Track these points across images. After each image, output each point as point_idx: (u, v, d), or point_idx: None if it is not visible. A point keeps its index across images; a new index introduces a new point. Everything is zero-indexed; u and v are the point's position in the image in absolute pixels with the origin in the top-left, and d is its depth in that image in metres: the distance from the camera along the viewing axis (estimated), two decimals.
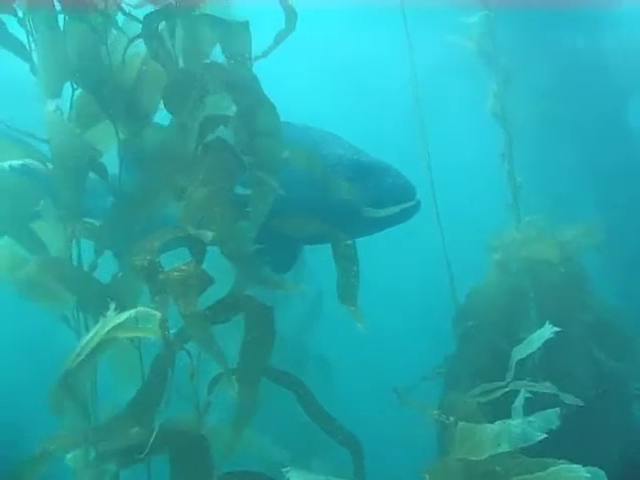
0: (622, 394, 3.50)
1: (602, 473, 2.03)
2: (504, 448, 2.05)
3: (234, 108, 2.23)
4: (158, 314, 1.96)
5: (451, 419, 2.09)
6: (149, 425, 2.09)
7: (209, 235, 2.02)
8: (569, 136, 4.48)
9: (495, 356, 3.04)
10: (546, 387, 2.42)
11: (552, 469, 2.04)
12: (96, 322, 2.27)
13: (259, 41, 2.41)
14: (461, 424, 2.10)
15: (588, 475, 2.02)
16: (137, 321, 2.02)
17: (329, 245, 2.42)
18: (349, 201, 2.57)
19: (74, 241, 2.30)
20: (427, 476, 2.01)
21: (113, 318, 2.01)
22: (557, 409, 2.16)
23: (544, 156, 4.32)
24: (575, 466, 2.05)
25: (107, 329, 1.99)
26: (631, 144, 4.75)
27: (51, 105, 2.20)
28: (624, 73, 4.65)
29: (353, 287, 2.32)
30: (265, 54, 2.45)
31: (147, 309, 2.01)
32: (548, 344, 2.59)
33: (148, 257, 2.04)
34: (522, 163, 3.34)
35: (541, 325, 3.02)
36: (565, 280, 3.32)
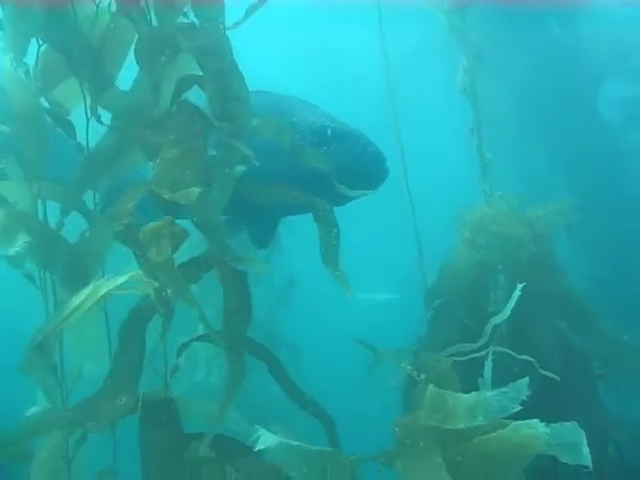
0: (587, 371, 3.56)
1: (580, 431, 2.04)
2: (479, 420, 2.05)
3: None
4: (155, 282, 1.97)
5: (422, 376, 2.09)
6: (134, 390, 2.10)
7: (183, 196, 1.98)
8: (541, 118, 4.53)
9: (464, 334, 3.06)
10: (520, 356, 2.41)
11: (513, 425, 2.06)
12: (64, 283, 2.26)
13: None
14: (434, 389, 2.09)
15: (547, 430, 2.03)
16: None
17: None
18: (317, 169, 2.54)
19: (40, 201, 2.26)
20: (397, 429, 2.00)
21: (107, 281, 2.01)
22: (526, 378, 2.14)
23: (515, 137, 4.36)
24: (534, 421, 2.06)
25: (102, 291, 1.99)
26: (600, 131, 4.84)
27: (6, 61, 2.16)
28: (596, 62, 4.72)
29: (334, 250, 2.33)
30: (236, 25, 2.40)
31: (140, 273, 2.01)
32: (515, 318, 2.61)
33: (124, 221, 2.00)
34: (493, 141, 3.38)
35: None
36: (534, 256, 3.36)
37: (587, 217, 3.86)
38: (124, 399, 2.09)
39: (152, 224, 1.96)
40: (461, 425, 2.04)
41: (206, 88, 2.13)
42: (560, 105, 4.55)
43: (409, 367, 2.18)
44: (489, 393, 2.12)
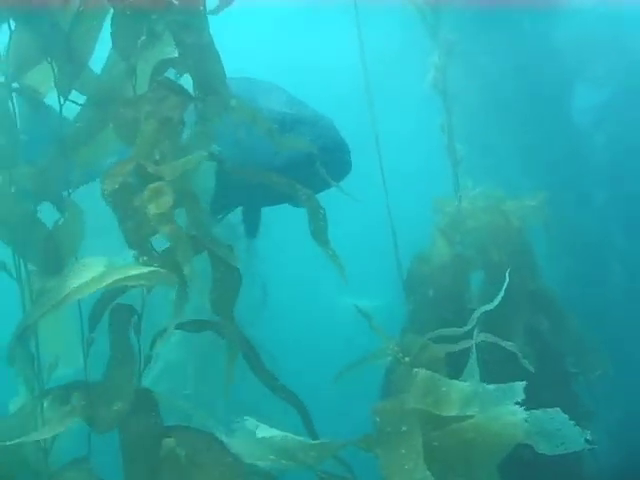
0: (560, 368, 3.59)
1: (562, 417, 2.02)
2: (473, 410, 2.02)
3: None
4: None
5: (406, 359, 2.07)
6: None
7: (168, 170, 1.96)
8: (512, 118, 4.59)
9: (444, 326, 3.05)
10: (507, 344, 2.38)
11: (493, 411, 2.03)
12: (40, 270, 2.22)
13: None
14: (425, 373, 2.05)
15: (526, 416, 2.00)
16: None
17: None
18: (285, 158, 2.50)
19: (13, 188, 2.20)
20: (378, 412, 1.97)
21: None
22: (524, 382, 2.07)
23: (486, 135, 4.41)
24: (515, 407, 2.03)
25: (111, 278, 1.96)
26: (571, 135, 4.92)
27: None
28: (569, 64, 4.80)
29: (323, 228, 2.33)
30: (216, 11, 2.37)
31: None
32: (490, 313, 2.61)
33: (119, 179, 1.96)
34: (464, 138, 3.40)
35: (486, 296, 3.05)
36: (512, 252, 3.38)
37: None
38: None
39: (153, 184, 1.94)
40: (454, 412, 2.01)
41: (183, 66, 2.10)
42: (531, 106, 4.61)
43: (394, 347, 2.16)
44: (489, 385, 2.07)
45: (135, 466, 2.06)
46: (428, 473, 1.91)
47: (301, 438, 2.02)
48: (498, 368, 2.43)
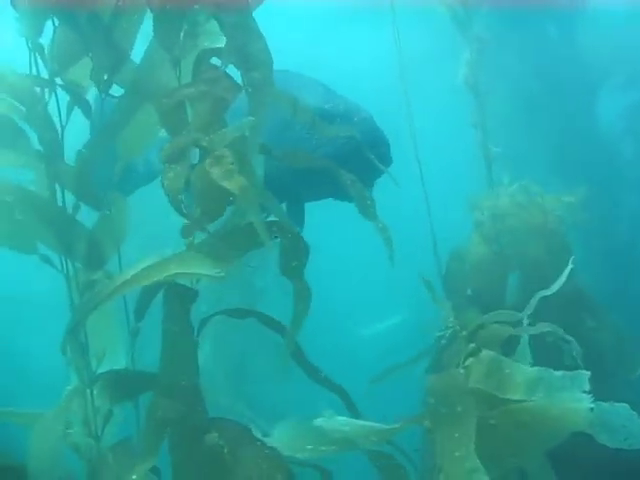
0: (601, 367, 3.53)
1: (632, 414, 1.95)
2: (538, 395, 1.97)
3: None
4: None
5: (464, 333, 2.02)
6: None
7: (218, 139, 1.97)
8: (539, 121, 4.57)
9: None
10: (561, 333, 2.35)
11: (556, 396, 1.98)
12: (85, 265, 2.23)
13: None
14: (489, 354, 2.01)
15: (592, 405, 1.95)
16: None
17: None
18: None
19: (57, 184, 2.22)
20: (432, 398, 1.93)
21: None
22: (588, 372, 2.02)
23: (513, 136, 4.37)
24: (580, 394, 1.97)
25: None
26: (598, 138, 4.88)
27: None
28: (595, 68, 4.78)
29: (371, 207, 2.33)
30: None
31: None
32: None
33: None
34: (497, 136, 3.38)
35: (524, 294, 2.99)
36: (551, 250, 3.33)
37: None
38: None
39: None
40: (518, 396, 1.97)
41: (228, 54, 2.11)
42: (558, 108, 4.59)
43: (452, 320, 2.12)
44: (556, 372, 2.01)
45: (181, 455, 2.06)
46: (479, 463, 1.86)
47: (363, 422, 2.00)
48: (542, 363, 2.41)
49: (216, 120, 2.04)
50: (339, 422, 1.95)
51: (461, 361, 2.02)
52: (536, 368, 2.02)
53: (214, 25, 2.18)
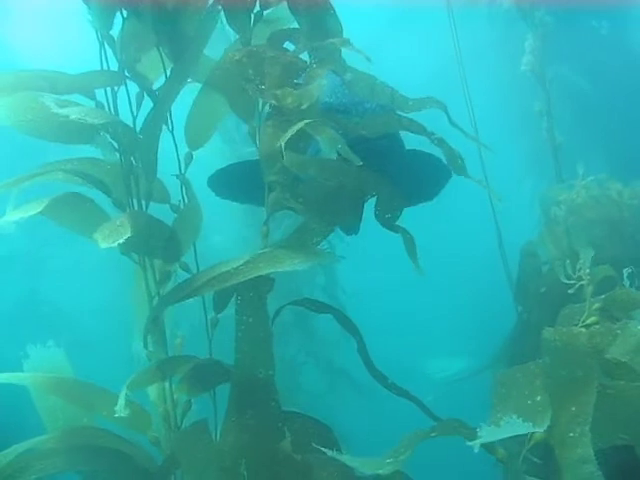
0: None
1: None
2: None
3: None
4: None
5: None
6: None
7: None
8: (595, 119, 4.45)
9: None
10: None
11: None
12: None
13: None
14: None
15: None
16: None
17: None
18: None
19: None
20: (548, 357, 1.77)
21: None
22: None
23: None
24: None
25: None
26: None
27: None
28: None
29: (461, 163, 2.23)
30: None
31: None
32: None
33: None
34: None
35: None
36: (626, 246, 3.18)
37: None
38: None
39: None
40: None
41: (299, 35, 2.07)
42: (616, 108, 4.46)
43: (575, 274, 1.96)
44: None
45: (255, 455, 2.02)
46: (592, 453, 1.70)
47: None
48: None
49: (285, 82, 2.00)
50: None
51: (583, 319, 1.89)
52: None
53: (284, 9, 2.14)
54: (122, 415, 1.83)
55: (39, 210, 2.01)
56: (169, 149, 2.31)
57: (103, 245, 1.86)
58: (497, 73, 4.76)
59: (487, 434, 1.72)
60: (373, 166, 2.13)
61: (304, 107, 1.96)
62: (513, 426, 1.74)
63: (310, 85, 1.99)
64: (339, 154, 2.05)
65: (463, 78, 3.21)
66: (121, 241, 1.85)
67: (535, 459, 1.83)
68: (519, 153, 4.79)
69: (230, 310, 2.13)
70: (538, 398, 1.79)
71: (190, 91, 2.35)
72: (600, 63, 4.59)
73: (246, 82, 2.04)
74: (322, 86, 1.98)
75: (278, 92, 1.97)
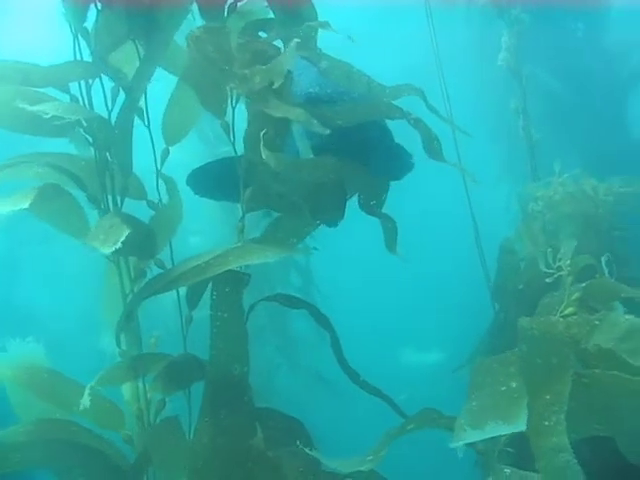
0: None
1: None
2: None
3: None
4: None
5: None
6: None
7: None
8: (569, 118, 4.48)
9: None
10: None
11: None
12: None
13: None
14: (631, 318, 1.82)
15: None
16: None
17: None
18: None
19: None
20: (524, 345, 1.76)
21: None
22: None
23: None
24: None
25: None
26: (628, 137, 4.77)
27: None
28: (624, 67, 4.69)
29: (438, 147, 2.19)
30: None
31: None
32: None
33: None
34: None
35: None
36: (603, 241, 3.20)
37: None
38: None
39: None
40: None
41: (273, 25, 2.05)
42: (588, 106, 4.50)
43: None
44: None
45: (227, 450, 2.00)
46: (567, 442, 1.68)
47: None
48: None
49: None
50: None
51: (561, 309, 1.89)
52: None
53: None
54: (85, 407, 1.80)
55: (27, 205, 1.95)
56: (146, 146, 2.30)
57: (106, 251, 1.84)
58: (474, 72, 4.78)
59: (468, 436, 1.72)
60: (355, 156, 2.11)
61: (275, 86, 1.91)
62: (494, 427, 1.72)
63: (278, 58, 1.95)
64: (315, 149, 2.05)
65: (441, 76, 3.22)
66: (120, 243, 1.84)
67: (509, 449, 1.82)
68: (496, 151, 4.81)
69: (205, 312, 2.10)
70: (513, 385, 1.79)
71: (168, 88, 2.35)
72: (575, 64, 4.63)
73: (209, 63, 2.00)
74: (293, 58, 1.94)
75: (246, 71, 1.93)
